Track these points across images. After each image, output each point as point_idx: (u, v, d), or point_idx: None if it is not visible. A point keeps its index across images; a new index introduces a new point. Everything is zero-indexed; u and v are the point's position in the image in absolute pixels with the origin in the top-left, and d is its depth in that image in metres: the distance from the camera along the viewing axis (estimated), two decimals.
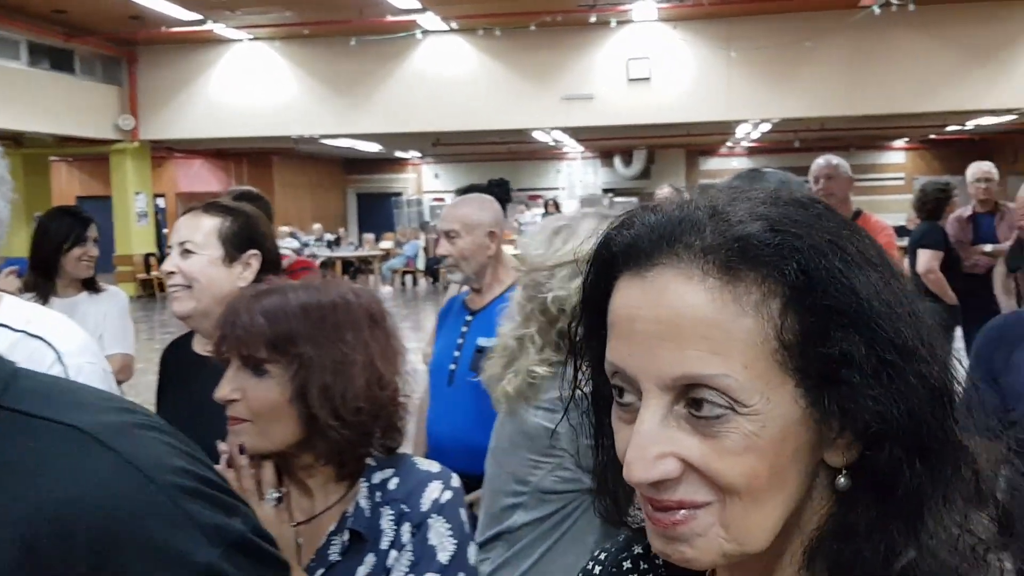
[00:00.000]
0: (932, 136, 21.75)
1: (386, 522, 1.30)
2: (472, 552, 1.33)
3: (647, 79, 14.07)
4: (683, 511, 0.58)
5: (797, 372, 0.57)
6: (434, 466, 1.37)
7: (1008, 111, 14.53)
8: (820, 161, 4.18)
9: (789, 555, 0.62)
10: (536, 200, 21.82)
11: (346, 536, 1.29)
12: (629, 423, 0.59)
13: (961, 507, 0.58)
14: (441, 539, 1.29)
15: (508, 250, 2.80)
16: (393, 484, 1.32)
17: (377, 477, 1.33)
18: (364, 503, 1.31)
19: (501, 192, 2.92)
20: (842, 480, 0.59)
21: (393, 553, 1.28)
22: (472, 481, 2.40)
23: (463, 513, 1.34)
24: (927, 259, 5.29)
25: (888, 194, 21.92)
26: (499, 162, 23.15)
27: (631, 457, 0.58)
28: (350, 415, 1.27)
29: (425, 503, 1.30)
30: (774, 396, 0.57)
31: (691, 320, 0.57)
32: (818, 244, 0.58)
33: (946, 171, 18.70)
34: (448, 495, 1.32)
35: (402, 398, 1.36)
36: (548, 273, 1.65)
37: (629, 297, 0.60)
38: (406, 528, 1.29)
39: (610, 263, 0.63)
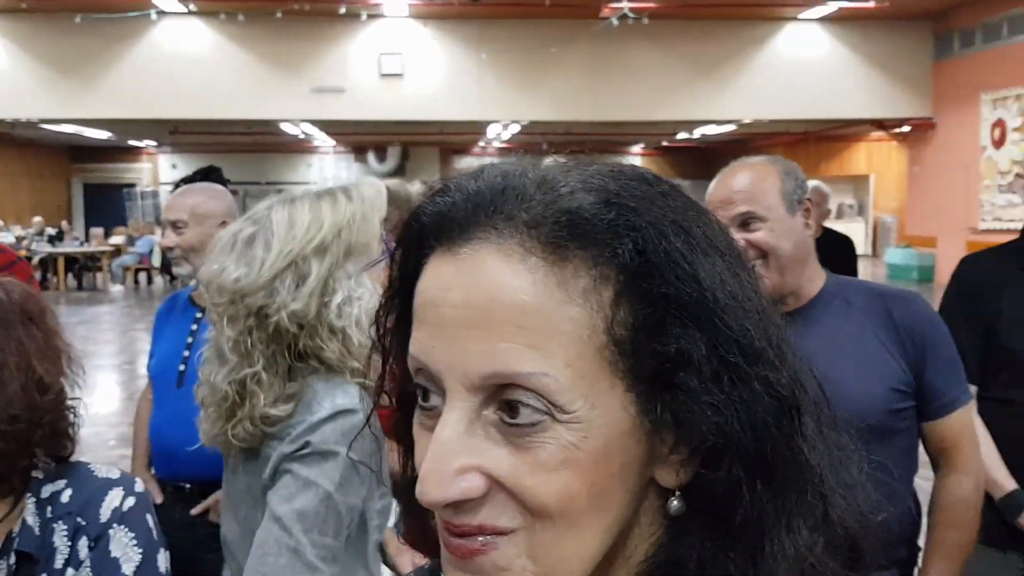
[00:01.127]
0: (665, 143, 23.43)
1: (59, 538, 1.20)
2: (163, 559, 1.23)
3: (400, 75, 13.99)
4: (483, 538, 0.48)
5: (628, 374, 0.48)
6: (114, 472, 1.27)
7: (729, 121, 15.95)
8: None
9: None
10: None
11: (12, 559, 1.17)
12: (431, 431, 0.49)
13: (806, 537, 0.50)
14: (125, 550, 1.21)
15: None
16: (66, 496, 1.22)
17: (47, 490, 1.23)
18: (32, 520, 1.20)
19: (215, 183, 2.68)
20: (675, 503, 0.51)
21: (70, 571, 1.19)
22: (208, 487, 2.17)
23: (151, 520, 1.25)
24: None
25: None
26: (245, 153, 22.19)
27: (426, 471, 0.48)
28: (4, 424, 1.14)
29: (104, 513, 1.21)
30: (600, 401, 0.48)
31: (507, 307, 0.47)
32: (659, 223, 0.49)
33: (677, 175, 20.22)
34: (131, 501, 1.23)
35: (71, 401, 1.25)
36: (267, 292, 1.38)
37: (438, 278, 0.50)
38: (83, 543, 1.20)
39: (420, 237, 0.52)
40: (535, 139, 19.37)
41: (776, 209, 1.66)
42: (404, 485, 0.58)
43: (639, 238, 0.48)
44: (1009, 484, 2.04)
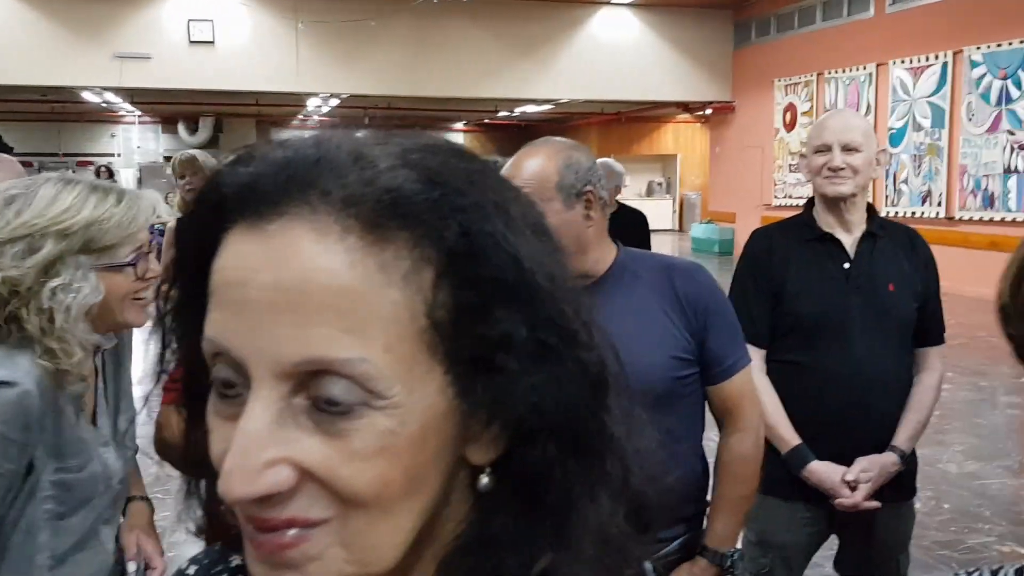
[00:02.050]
0: (487, 120, 23.64)
1: None
2: None
3: (211, 42, 13.35)
4: (294, 531, 0.46)
5: (447, 356, 0.47)
6: None
7: (547, 101, 16.30)
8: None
9: (420, 571, 0.51)
10: (87, 167, 19.71)
11: None
12: (232, 420, 0.46)
13: (608, 506, 0.51)
14: None
15: None
16: None
17: None
18: None
19: None
20: (485, 480, 0.50)
21: None
22: None
23: None
24: None
25: None
26: (42, 123, 20.51)
27: (230, 466, 0.44)
28: None
29: None
30: (418, 385, 0.46)
31: (323, 289, 0.45)
32: (483, 203, 0.48)
33: (498, 152, 20.44)
34: None
35: None
36: None
37: (241, 255, 0.46)
38: None
39: (219, 209, 0.48)
40: (356, 113, 19.04)
41: (552, 204, 1.68)
42: (191, 468, 0.55)
43: (464, 219, 0.47)
44: (794, 439, 2.22)
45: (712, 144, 17.03)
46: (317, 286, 0.45)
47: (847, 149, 2.22)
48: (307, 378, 0.45)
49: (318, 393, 0.45)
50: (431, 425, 0.47)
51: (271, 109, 20.41)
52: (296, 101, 17.41)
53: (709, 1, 14.69)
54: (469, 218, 0.47)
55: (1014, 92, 9.90)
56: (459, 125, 25.60)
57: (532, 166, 1.72)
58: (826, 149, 2.25)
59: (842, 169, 2.21)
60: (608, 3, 14.62)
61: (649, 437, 0.57)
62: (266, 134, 23.23)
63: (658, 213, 22.58)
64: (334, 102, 17.19)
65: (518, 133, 21.79)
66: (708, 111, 16.62)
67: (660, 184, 23.65)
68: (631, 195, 22.55)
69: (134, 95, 16.58)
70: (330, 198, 0.46)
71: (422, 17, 13.67)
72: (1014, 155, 9.99)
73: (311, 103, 17.79)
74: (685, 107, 16.83)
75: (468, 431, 0.49)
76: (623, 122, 21.58)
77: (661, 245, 18.27)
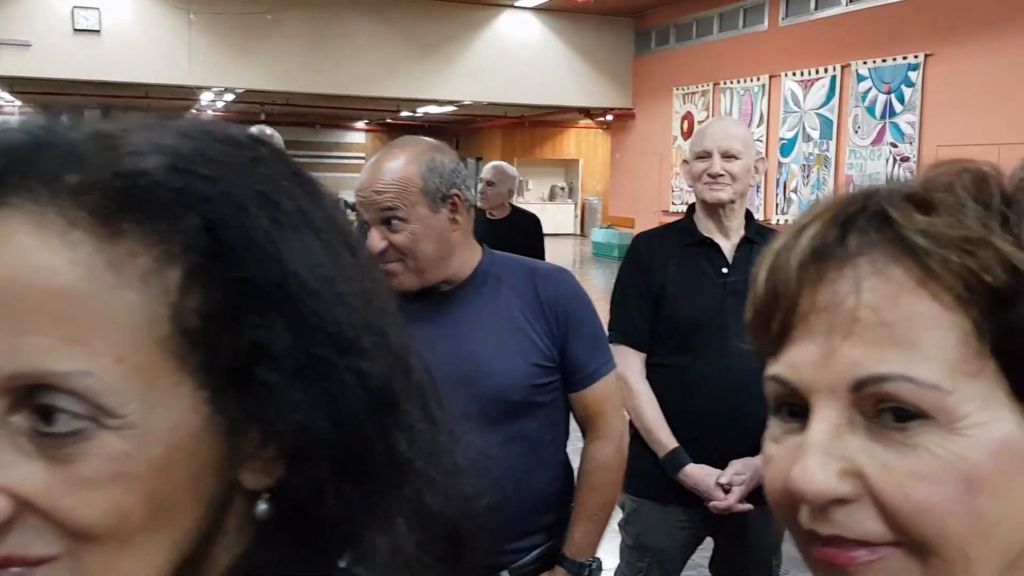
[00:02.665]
0: (389, 120, 23.41)
1: None
2: None
3: (97, 31, 12.76)
4: (15, 570, 0.40)
5: (200, 368, 0.42)
6: None
7: (450, 102, 16.21)
8: (254, 130, 4.18)
9: None
10: None
11: None
12: None
13: (404, 532, 0.48)
14: None
15: None
16: None
17: None
18: None
19: None
20: (261, 507, 0.47)
21: None
22: None
23: None
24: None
25: (351, 172, 23.07)
26: None
27: None
28: None
29: None
30: (162, 401, 0.41)
31: (39, 291, 0.40)
32: (238, 194, 0.44)
33: None
34: None
35: None
36: None
37: None
38: None
39: None
40: (253, 108, 18.56)
41: (417, 208, 1.64)
42: None
43: (210, 211, 0.42)
44: (671, 443, 2.23)
45: (613, 150, 17.24)
46: (31, 287, 0.40)
47: (727, 156, 2.24)
48: (25, 394, 0.40)
49: (38, 412, 0.40)
50: (180, 447, 0.42)
51: (162, 103, 19.68)
52: (188, 95, 16.83)
53: (611, 9, 14.85)
54: (215, 210, 0.43)
55: (897, 106, 10.32)
56: (360, 124, 25.27)
57: (394, 170, 1.65)
58: (706, 156, 2.26)
59: (721, 176, 2.24)
60: (511, 6, 14.63)
61: (471, 454, 0.54)
62: None
63: (560, 218, 22.83)
64: (229, 97, 16.70)
65: (421, 134, 21.60)
66: (609, 117, 16.82)
67: (563, 189, 23.87)
68: (534, 199, 22.71)
69: (13, 84, 15.73)
70: (55, 185, 0.41)
71: (320, 12, 13.39)
72: (896, 166, 10.40)
73: (204, 97, 17.23)
74: (587, 113, 17.00)
75: (238, 452, 0.45)
76: (527, 126, 21.67)
77: (563, 249, 18.55)
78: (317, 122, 23.56)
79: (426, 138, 1.78)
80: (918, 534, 0.48)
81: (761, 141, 12.34)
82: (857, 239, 0.51)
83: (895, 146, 10.39)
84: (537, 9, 14.78)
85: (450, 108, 17.62)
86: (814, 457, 0.49)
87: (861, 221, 0.52)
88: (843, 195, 0.55)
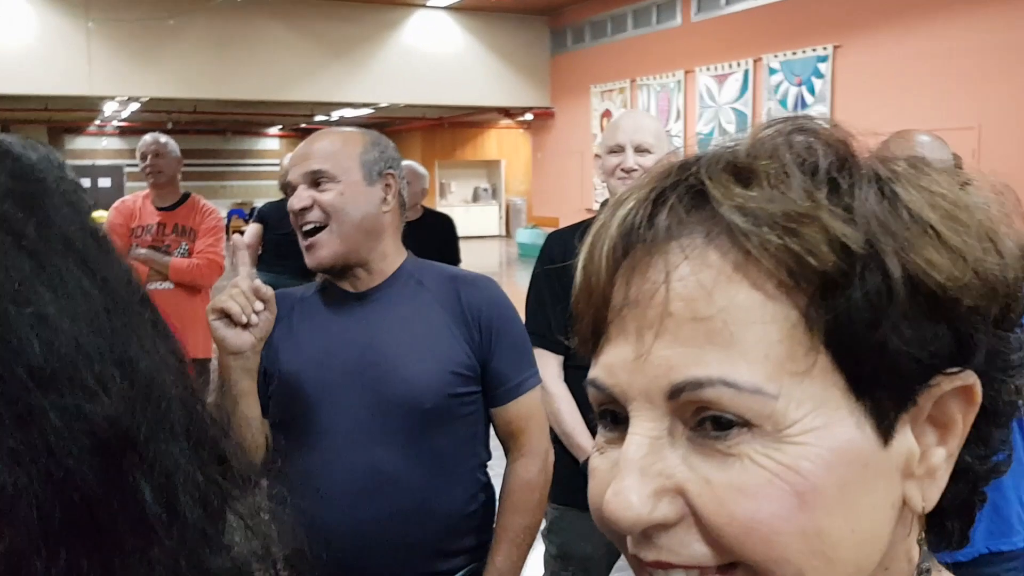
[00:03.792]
0: (303, 125, 22.97)
1: None
2: None
3: None
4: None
5: None
6: None
7: (365, 105, 15.94)
8: (147, 138, 4.13)
9: None
10: None
11: None
12: None
13: None
14: None
15: None
16: None
17: None
18: None
19: None
20: None
21: None
22: None
23: None
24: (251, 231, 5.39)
25: (266, 179, 22.56)
26: None
27: None
28: None
29: None
30: None
31: None
32: None
33: None
34: None
35: None
36: None
37: None
38: None
39: None
40: (160, 117, 17.97)
41: (351, 173, 1.59)
42: None
43: None
44: (591, 447, 2.13)
45: (534, 150, 17.20)
46: None
47: (639, 150, 2.20)
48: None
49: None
50: None
51: (64, 115, 18.94)
52: (91, 105, 16.19)
53: (525, 7, 14.80)
54: None
55: (809, 98, 10.47)
56: (274, 130, 24.73)
57: (334, 140, 1.64)
58: (619, 150, 2.23)
59: (635, 170, 2.23)
60: (423, 5, 14.45)
61: (266, 496, 0.49)
62: (60, 141, 21.59)
63: (484, 219, 22.74)
64: (134, 106, 16.11)
65: None
66: (529, 117, 16.77)
67: (486, 190, 23.76)
68: (457, 201, 22.56)
69: None
70: None
71: (225, 16, 12.99)
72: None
73: (108, 107, 16.59)
74: (507, 113, 16.92)
75: None
76: (446, 127, 21.51)
77: (488, 251, 18.45)
78: (228, 129, 22.96)
79: None
80: (747, 557, 0.43)
81: (679, 136, 12.41)
82: (667, 219, 0.45)
83: None
84: (450, 8, 14.63)
85: (367, 111, 17.33)
86: (628, 478, 0.44)
87: (673, 197, 0.46)
88: (664, 164, 0.48)
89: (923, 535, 0.50)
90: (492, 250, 19.09)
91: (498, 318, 1.64)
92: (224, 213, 18.54)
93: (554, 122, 16.05)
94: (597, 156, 2.36)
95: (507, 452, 1.72)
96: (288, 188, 1.62)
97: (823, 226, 0.42)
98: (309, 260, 1.61)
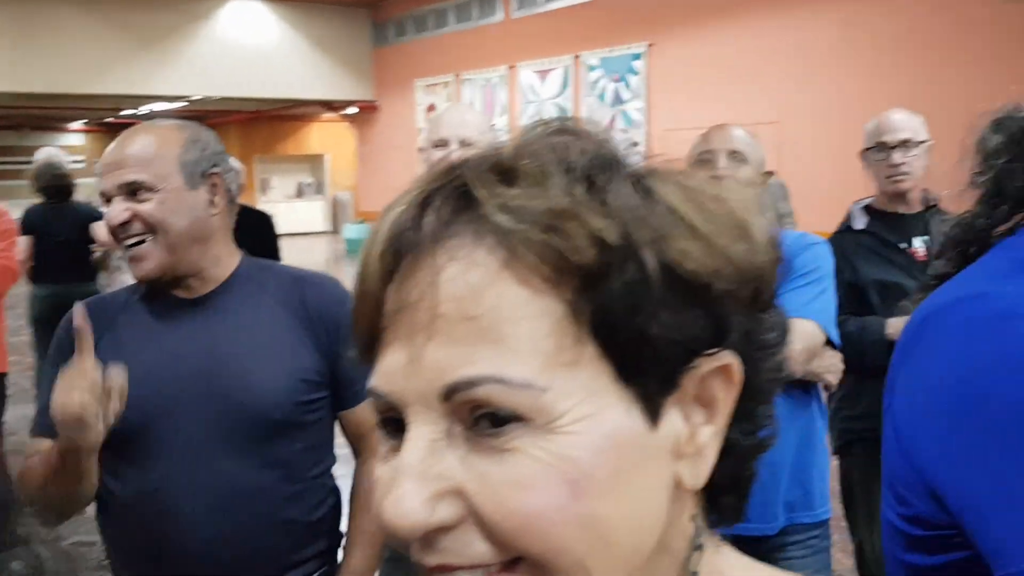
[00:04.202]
0: (110, 119, 21.57)
1: None
2: None
3: None
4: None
5: None
6: None
7: (178, 98, 15.15)
8: None
9: None
10: None
11: None
12: None
13: None
14: None
15: None
16: None
17: None
18: None
19: None
20: None
21: None
22: None
23: None
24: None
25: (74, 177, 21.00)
26: None
27: None
28: None
29: None
30: None
31: None
32: None
33: None
34: None
35: None
36: None
37: None
38: None
39: None
40: None
41: (171, 179, 1.48)
42: None
43: None
44: None
45: (359, 144, 16.93)
46: None
47: (463, 144, 2.19)
48: None
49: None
50: None
51: None
52: None
53: (345, 0, 14.51)
54: None
55: (625, 94, 10.85)
56: (77, 125, 23.10)
57: (147, 141, 1.49)
58: (443, 144, 2.21)
59: None
60: None
61: None
62: None
63: (310, 215, 22.17)
64: None
65: None
66: (353, 110, 16.48)
67: (310, 185, 23.18)
68: (279, 197, 21.87)
69: None
70: None
71: (20, 4, 11.97)
72: (628, 151, 10.95)
73: None
74: (329, 106, 16.55)
75: None
76: (264, 121, 20.79)
77: (315, 248, 18.00)
78: (24, 124, 21.23)
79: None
80: (525, 550, 0.44)
81: (504, 131, 12.53)
82: (434, 221, 0.46)
83: (626, 131, 10.92)
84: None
85: (178, 104, 16.48)
86: (405, 484, 0.44)
87: (439, 200, 0.47)
88: (433, 169, 0.49)
89: (698, 512, 0.52)
90: (319, 247, 18.66)
91: (346, 320, 1.57)
92: (19, 214, 17.12)
93: (379, 116, 15.85)
94: (422, 150, 2.32)
95: (356, 454, 1.70)
96: (102, 197, 1.50)
97: (582, 222, 0.44)
98: (134, 272, 1.51)
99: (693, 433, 0.49)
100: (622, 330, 0.45)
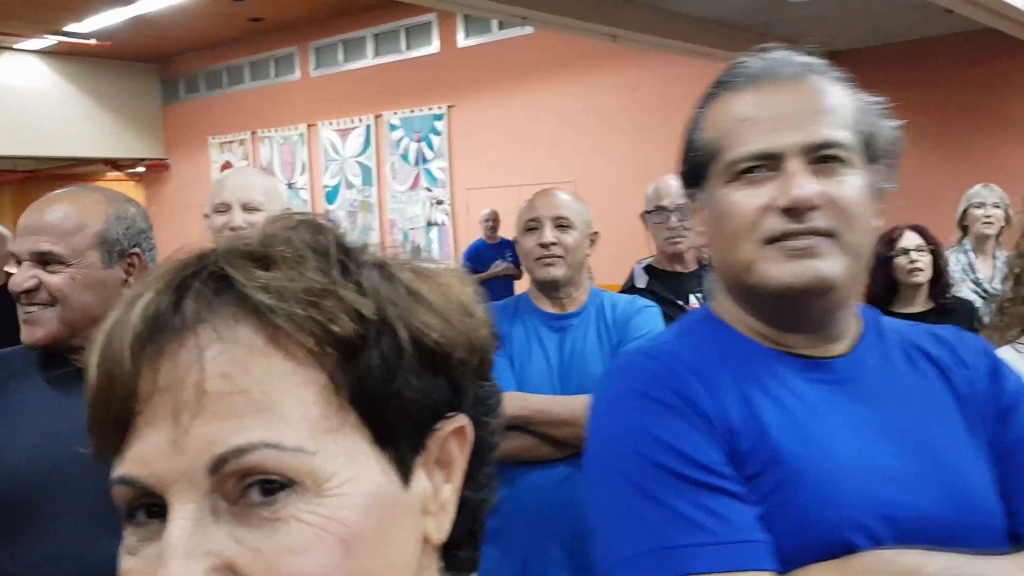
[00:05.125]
0: None
1: None
2: None
3: None
4: None
5: None
6: None
7: None
8: None
9: None
10: None
11: None
12: None
13: None
14: None
15: None
16: None
17: None
18: None
19: None
20: None
21: None
22: None
23: None
24: None
25: None
26: None
27: None
28: None
29: None
30: None
31: None
32: None
33: None
34: None
35: None
36: None
37: None
38: None
39: None
40: None
41: (87, 256, 1.41)
42: None
43: None
44: None
45: (148, 203, 16.05)
46: None
47: (247, 208, 2.13)
48: None
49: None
50: None
51: None
52: None
53: (132, 54, 13.84)
54: None
55: (428, 153, 10.95)
56: None
57: (69, 209, 1.44)
58: (225, 209, 2.13)
59: (244, 228, 2.11)
60: (10, 48, 12.91)
61: None
62: None
63: None
64: None
65: None
66: (141, 169, 15.66)
67: None
68: None
69: None
70: None
71: None
72: (433, 209, 11.03)
73: None
74: (114, 164, 15.64)
75: None
76: (43, 180, 19.31)
77: None
78: None
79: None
80: None
81: (305, 189, 12.33)
82: (194, 304, 0.48)
83: (430, 190, 11.01)
84: (42, 53, 13.24)
85: None
86: (173, 564, 0.44)
87: (197, 284, 0.49)
88: (180, 258, 0.51)
89: (442, 565, 0.57)
90: None
91: None
92: None
93: (170, 174, 15.16)
94: (206, 216, 2.20)
95: None
96: (12, 257, 1.43)
97: (340, 298, 0.48)
98: (24, 335, 1.43)
99: (437, 491, 0.54)
100: (379, 397, 0.49)
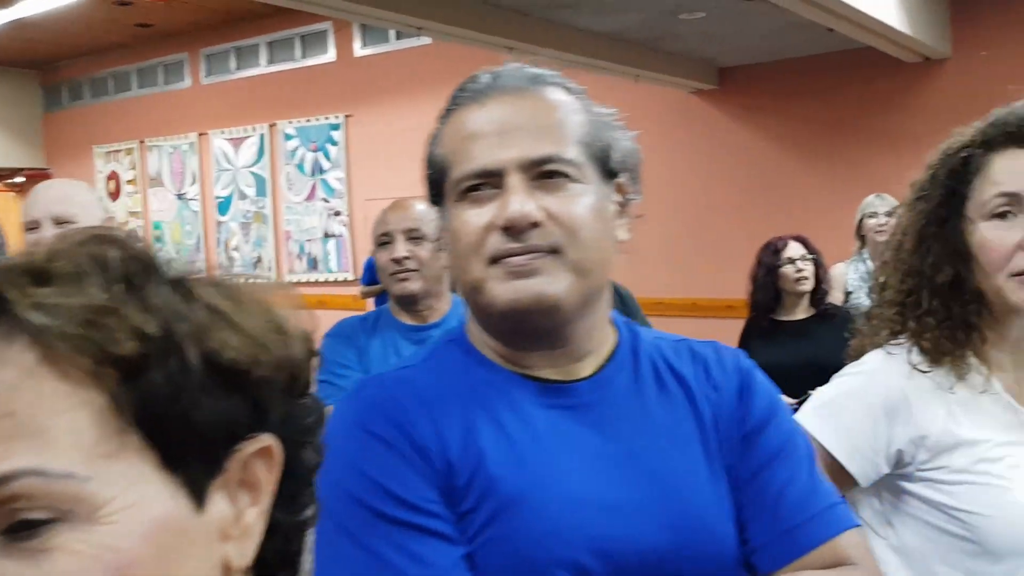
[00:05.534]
0: None
1: None
2: None
3: None
4: None
5: None
6: None
7: None
8: None
9: None
10: None
11: None
12: None
13: None
14: None
15: None
16: None
17: None
18: None
19: None
20: None
21: None
22: None
23: None
24: None
25: None
26: None
27: None
28: None
29: None
30: None
31: None
32: None
33: None
34: None
35: None
36: None
37: None
38: None
39: None
40: None
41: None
42: None
43: None
44: None
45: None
46: None
47: (60, 223, 2.04)
48: None
49: None
50: None
51: None
52: None
53: (11, 61, 13.19)
54: None
55: (325, 163, 10.78)
56: None
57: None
58: (35, 226, 2.04)
59: None
60: None
61: None
62: None
63: None
64: None
65: None
66: (21, 179, 14.91)
67: None
68: None
69: None
70: None
71: None
72: (330, 220, 10.85)
73: None
74: None
75: None
76: None
77: None
78: None
79: None
80: None
81: (196, 200, 11.98)
82: None
83: (327, 201, 10.82)
84: None
85: None
86: None
87: None
88: None
89: None
90: None
91: None
92: None
93: None
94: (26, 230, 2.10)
95: None
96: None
97: (121, 316, 0.46)
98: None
99: (239, 515, 0.51)
100: (165, 418, 0.47)
